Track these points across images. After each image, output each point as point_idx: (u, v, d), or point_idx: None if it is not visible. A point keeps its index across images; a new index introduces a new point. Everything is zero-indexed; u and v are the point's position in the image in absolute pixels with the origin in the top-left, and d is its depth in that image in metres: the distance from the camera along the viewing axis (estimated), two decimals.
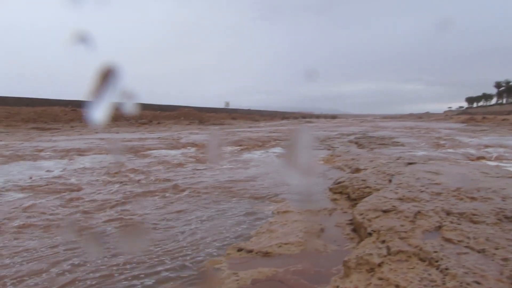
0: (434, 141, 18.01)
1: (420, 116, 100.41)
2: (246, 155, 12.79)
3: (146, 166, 9.84)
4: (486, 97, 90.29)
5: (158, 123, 39.75)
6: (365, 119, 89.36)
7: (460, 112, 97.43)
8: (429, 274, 2.72)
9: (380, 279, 2.81)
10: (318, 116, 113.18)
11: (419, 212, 4.11)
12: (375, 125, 41.50)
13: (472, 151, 13.98)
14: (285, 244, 3.87)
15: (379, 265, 3.00)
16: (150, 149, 13.98)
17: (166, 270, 3.34)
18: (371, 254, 3.15)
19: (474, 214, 4.06)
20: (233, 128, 34.21)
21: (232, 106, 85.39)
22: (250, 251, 3.75)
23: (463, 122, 47.73)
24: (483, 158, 12.11)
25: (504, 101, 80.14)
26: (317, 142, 17.84)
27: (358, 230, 4.22)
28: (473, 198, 4.92)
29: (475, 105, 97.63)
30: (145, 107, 53.17)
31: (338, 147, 15.37)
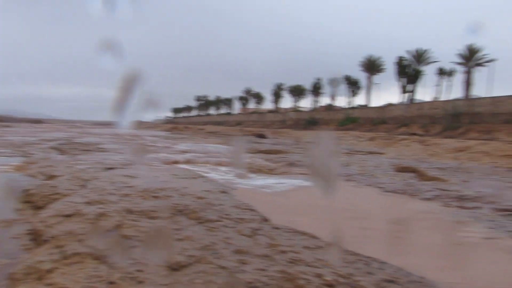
0: (139, 147, 18.81)
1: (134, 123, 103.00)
2: None
3: None
4: (189, 108, 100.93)
5: None
6: (74, 125, 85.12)
7: (167, 121, 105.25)
8: (98, 271, 2.78)
9: (49, 284, 2.71)
10: (19, 120, 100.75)
11: (102, 214, 4.18)
12: (83, 131, 40.14)
13: (169, 155, 15.32)
14: None
15: (50, 271, 2.89)
16: None
17: None
18: (42, 262, 3.00)
19: (152, 211, 4.42)
20: None
21: None
22: None
23: (168, 131, 51.79)
24: (177, 162, 13.42)
25: (203, 113, 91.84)
26: (11, 148, 15.86)
27: (37, 239, 3.95)
28: (156, 197, 5.37)
29: (180, 115, 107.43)
30: None
31: (36, 154, 14.07)
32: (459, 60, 36.06)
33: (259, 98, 68.57)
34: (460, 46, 35.59)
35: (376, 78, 45.21)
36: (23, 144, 18.63)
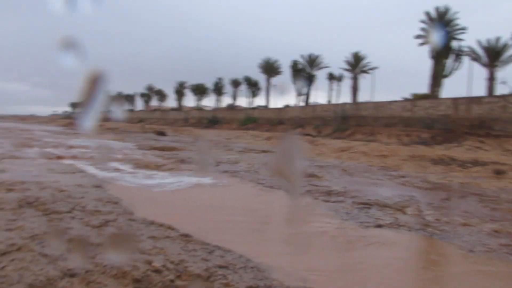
0: (22, 141, 17.54)
1: (24, 118, 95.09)
2: None
3: None
4: None
5: None
6: None
7: (66, 116, 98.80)
8: None
9: None
10: None
11: None
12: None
13: (55, 151, 14.53)
14: None
15: None
16: None
17: None
18: None
19: None
20: None
21: None
22: None
23: (63, 126, 48.68)
24: (62, 157, 12.77)
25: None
26: None
27: None
28: (10, 190, 5.13)
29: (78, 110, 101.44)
30: None
31: None
32: (347, 66, 39.09)
33: (161, 95, 67.32)
34: (347, 54, 38.65)
35: (275, 80, 47.18)
36: None
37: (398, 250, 4.90)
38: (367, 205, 7.44)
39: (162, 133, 32.67)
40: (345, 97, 40.52)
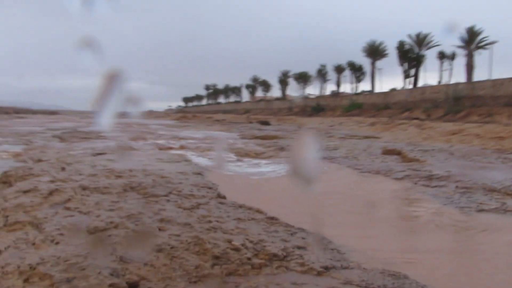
0: (138, 134, 19.32)
1: (142, 113, 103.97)
2: None
3: None
4: (199, 97, 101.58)
5: None
6: (87, 115, 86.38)
7: (179, 110, 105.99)
8: (27, 235, 3.16)
9: None
10: (35, 112, 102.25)
11: (56, 189, 4.57)
12: (92, 121, 40.90)
13: (165, 142, 15.78)
14: None
15: None
16: None
17: None
18: None
19: (105, 187, 4.81)
20: None
21: None
22: None
23: (176, 119, 52.36)
24: (172, 148, 13.84)
25: (212, 102, 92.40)
26: (16, 137, 16.48)
27: None
28: (119, 177, 5.76)
29: (190, 104, 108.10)
30: None
31: (37, 142, 14.64)
32: (460, 43, 35.63)
33: (266, 85, 68.68)
34: (460, 29, 35.10)
35: (380, 63, 44.97)
36: (28, 133, 19.26)
37: (500, 235, 4.50)
38: (470, 189, 6.89)
39: (265, 123, 33.46)
40: (458, 77, 37.21)
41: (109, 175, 5.85)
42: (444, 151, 12.36)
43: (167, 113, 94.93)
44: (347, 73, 50.50)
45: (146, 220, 3.56)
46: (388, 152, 12.52)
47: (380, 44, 44.59)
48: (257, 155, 12.18)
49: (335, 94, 50.35)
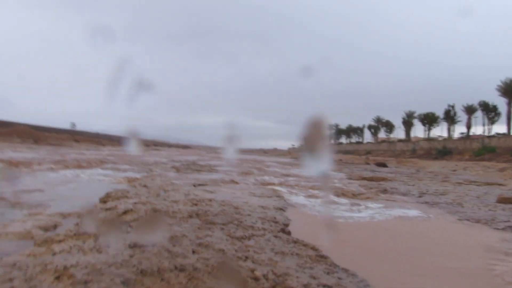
0: (248, 170, 20.25)
1: (266, 151, 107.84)
2: (51, 174, 12.89)
3: None
4: None
5: None
6: (215, 150, 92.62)
7: (300, 149, 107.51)
8: (83, 244, 3.72)
9: (53, 250, 3.73)
10: (170, 145, 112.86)
11: (131, 210, 5.20)
12: (216, 156, 43.74)
13: (270, 178, 16.29)
14: None
15: (60, 240, 3.93)
16: None
17: None
18: (58, 234, 4.07)
19: (174, 212, 5.31)
20: (67, 149, 32.87)
21: (80, 128, 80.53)
22: None
23: (294, 158, 53.29)
24: (272, 183, 14.26)
25: (334, 142, 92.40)
26: (141, 166, 18.57)
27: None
28: (195, 204, 6.26)
29: None
30: None
31: (156, 171, 16.33)
32: None
33: (389, 126, 66.34)
34: None
35: None
36: (154, 163, 21.54)
37: None
38: None
39: (382, 165, 32.26)
40: None
41: (188, 202, 6.39)
42: None
43: (289, 152, 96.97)
44: (478, 114, 46.46)
45: (185, 242, 3.90)
46: (503, 200, 11.27)
47: None
48: (354, 196, 11.90)
49: (465, 136, 46.47)
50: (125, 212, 5.10)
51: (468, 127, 48.10)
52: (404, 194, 12.87)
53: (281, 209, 8.05)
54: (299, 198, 10.75)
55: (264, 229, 5.37)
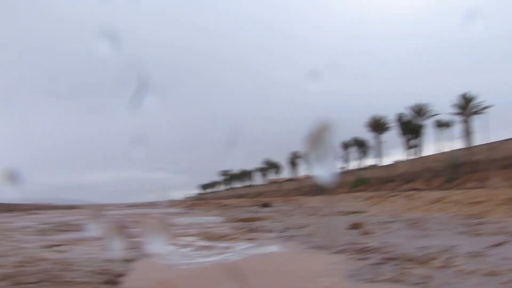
0: (120, 224, 19.49)
1: (158, 204, 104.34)
2: None
3: None
4: (215, 184, 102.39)
5: None
6: (104, 208, 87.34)
7: (196, 197, 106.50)
8: None
9: None
10: (55, 207, 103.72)
11: None
12: (100, 213, 41.32)
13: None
14: None
15: None
16: None
17: None
18: None
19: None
20: None
21: None
22: None
23: (186, 207, 52.62)
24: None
25: (228, 187, 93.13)
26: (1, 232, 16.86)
27: None
28: (21, 266, 5.87)
29: (209, 190, 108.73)
30: None
31: (14, 236, 14.94)
32: (456, 110, 35.53)
33: (277, 167, 69.21)
34: (455, 97, 35.20)
35: (385, 136, 44.99)
36: (15, 229, 19.64)
37: None
38: (389, 260, 6.72)
39: (266, 205, 33.33)
40: (458, 144, 36.76)
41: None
42: (405, 221, 12.15)
43: (183, 201, 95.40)
44: (354, 149, 50.77)
45: None
46: (354, 226, 12.39)
47: (382, 118, 44.97)
48: (219, 238, 12.09)
49: (342, 171, 50.24)
50: None
51: (347, 161, 52.16)
52: (270, 231, 13.41)
53: (129, 260, 7.89)
54: (158, 247, 10.58)
55: (84, 282, 5.24)
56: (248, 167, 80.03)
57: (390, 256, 7.03)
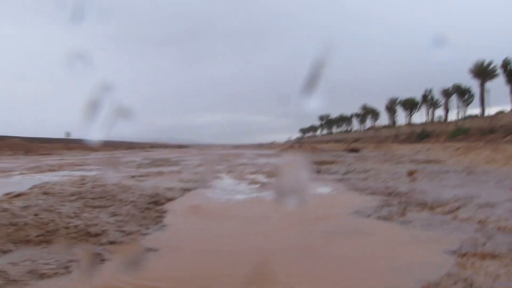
0: (208, 162, 21.64)
1: (260, 145, 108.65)
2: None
3: None
4: (314, 128, 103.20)
5: None
6: (210, 148, 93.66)
7: (296, 141, 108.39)
8: None
9: None
10: (167, 146, 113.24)
11: (23, 193, 6.54)
12: (204, 152, 45.05)
13: (222, 168, 17.63)
14: None
15: None
16: None
17: None
18: None
19: (61, 193, 6.66)
20: (54, 157, 34.34)
21: (77, 136, 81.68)
22: None
23: (281, 150, 54.55)
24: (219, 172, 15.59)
25: (325, 132, 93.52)
26: (109, 165, 19.90)
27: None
28: (83, 184, 7.61)
29: (308, 135, 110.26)
30: None
31: (117, 168, 17.67)
32: None
33: (374, 114, 67.41)
34: None
35: (491, 84, 40.76)
36: (125, 162, 22.86)
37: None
38: (403, 203, 7.23)
39: (354, 150, 33.53)
40: None
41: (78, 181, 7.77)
42: (465, 172, 12.01)
43: (283, 144, 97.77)
44: (455, 97, 47.48)
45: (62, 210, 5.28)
46: (410, 173, 12.67)
47: (489, 63, 41.00)
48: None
49: (440, 120, 47.60)
50: (18, 196, 6.46)
51: (447, 110, 49.00)
52: (332, 173, 14.16)
53: (186, 190, 9.42)
54: (223, 182, 12.05)
55: (132, 201, 6.72)
56: (346, 112, 79.13)
57: (407, 200, 7.52)
